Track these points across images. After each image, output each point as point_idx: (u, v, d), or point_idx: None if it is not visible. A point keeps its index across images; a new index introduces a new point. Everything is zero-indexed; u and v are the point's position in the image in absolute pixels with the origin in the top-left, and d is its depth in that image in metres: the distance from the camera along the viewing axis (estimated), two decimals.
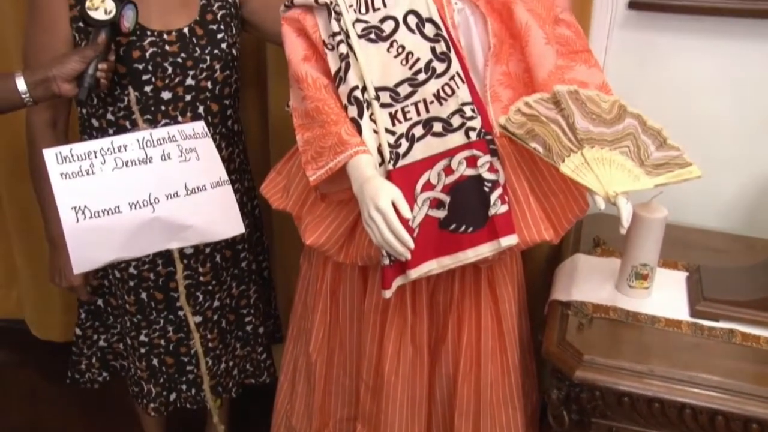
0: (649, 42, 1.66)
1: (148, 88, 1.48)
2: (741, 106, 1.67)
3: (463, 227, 1.25)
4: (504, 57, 1.32)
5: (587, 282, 1.51)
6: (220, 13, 1.56)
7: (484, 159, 1.24)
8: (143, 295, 1.63)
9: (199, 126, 1.39)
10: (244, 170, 1.76)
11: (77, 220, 1.22)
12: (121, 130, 1.51)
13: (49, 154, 1.23)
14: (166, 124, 1.50)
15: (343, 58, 1.26)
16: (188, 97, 1.53)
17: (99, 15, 1.33)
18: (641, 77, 1.69)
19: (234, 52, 1.58)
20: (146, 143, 1.29)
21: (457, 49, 1.28)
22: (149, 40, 1.47)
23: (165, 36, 1.49)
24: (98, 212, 1.23)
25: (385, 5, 1.29)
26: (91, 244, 1.24)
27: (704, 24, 1.61)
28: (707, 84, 1.67)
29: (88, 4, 1.32)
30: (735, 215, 1.77)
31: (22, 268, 2.34)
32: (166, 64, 1.48)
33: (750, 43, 1.61)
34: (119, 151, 1.27)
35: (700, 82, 1.67)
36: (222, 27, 1.55)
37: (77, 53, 1.34)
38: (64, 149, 1.25)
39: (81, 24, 1.45)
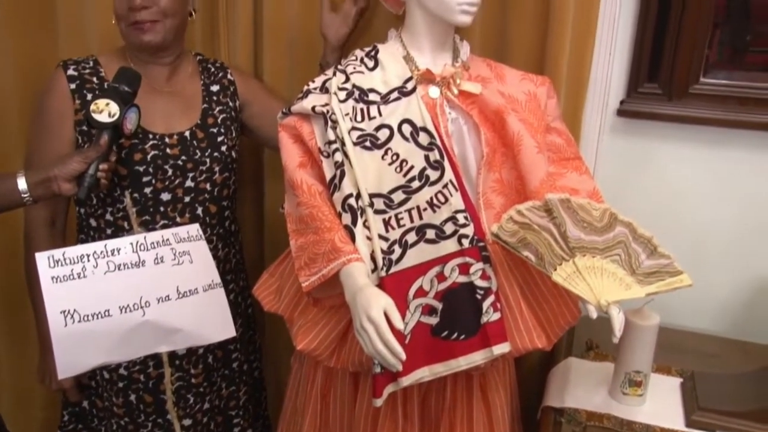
0: (639, 148, 1.70)
1: (147, 190, 1.50)
2: (732, 212, 1.69)
3: (455, 334, 1.24)
4: (497, 165, 1.35)
5: (580, 387, 1.49)
6: (221, 116, 1.60)
7: (477, 266, 1.25)
8: (132, 398, 1.59)
9: (194, 229, 1.40)
10: (240, 270, 1.76)
11: (65, 324, 1.21)
12: (119, 230, 1.52)
13: (41, 258, 1.23)
14: (164, 225, 1.51)
15: (338, 166, 1.28)
16: (187, 199, 1.54)
17: (103, 117, 1.35)
18: (631, 183, 1.71)
19: (233, 154, 1.61)
20: (140, 247, 1.30)
21: (450, 158, 1.30)
22: (151, 143, 1.50)
23: (167, 139, 1.52)
24: (87, 316, 1.23)
25: (380, 114, 1.32)
26: (78, 348, 1.23)
27: (690, 132, 1.65)
28: (697, 190, 1.69)
29: (92, 107, 1.35)
30: (728, 318, 1.76)
31: (3, 363, 2.28)
32: (166, 167, 1.51)
33: (739, 153, 1.64)
34: (112, 254, 1.27)
35: (690, 188, 1.69)
36: (222, 130, 1.59)
37: (79, 154, 1.36)
38: (57, 253, 1.25)
39: (85, 127, 1.48)
